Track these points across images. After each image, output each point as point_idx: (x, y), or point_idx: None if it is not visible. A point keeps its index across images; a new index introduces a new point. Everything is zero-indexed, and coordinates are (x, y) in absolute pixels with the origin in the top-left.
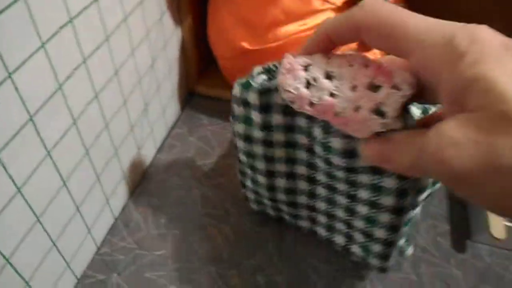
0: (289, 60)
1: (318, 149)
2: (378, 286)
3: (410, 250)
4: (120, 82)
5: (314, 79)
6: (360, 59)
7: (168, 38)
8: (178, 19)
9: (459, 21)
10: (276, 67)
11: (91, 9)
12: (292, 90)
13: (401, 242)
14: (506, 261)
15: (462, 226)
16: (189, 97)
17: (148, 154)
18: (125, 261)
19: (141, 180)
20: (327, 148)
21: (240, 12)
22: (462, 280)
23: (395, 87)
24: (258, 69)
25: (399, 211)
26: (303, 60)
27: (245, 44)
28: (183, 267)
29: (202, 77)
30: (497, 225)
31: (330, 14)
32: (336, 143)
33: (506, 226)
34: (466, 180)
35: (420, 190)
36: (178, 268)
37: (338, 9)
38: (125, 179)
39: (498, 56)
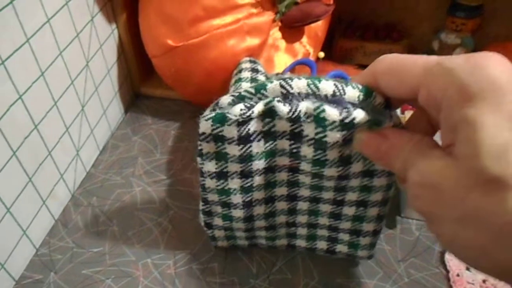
0: None
1: (306, 166)
2: (310, 265)
3: None
4: (48, 83)
5: None
6: None
7: (103, 39)
8: (112, 20)
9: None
10: (249, 92)
11: (7, 10)
12: None
13: None
14: None
15: (393, 204)
16: (134, 98)
17: (89, 155)
18: (62, 260)
19: (82, 181)
20: (321, 162)
21: (163, 9)
22: (391, 255)
23: None
24: (226, 99)
25: (387, 201)
26: None
27: (170, 41)
28: (120, 261)
29: (146, 78)
30: None
31: (250, 10)
32: (332, 154)
33: None
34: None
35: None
36: (115, 263)
37: (257, 4)
38: (63, 180)
39: (498, 97)
